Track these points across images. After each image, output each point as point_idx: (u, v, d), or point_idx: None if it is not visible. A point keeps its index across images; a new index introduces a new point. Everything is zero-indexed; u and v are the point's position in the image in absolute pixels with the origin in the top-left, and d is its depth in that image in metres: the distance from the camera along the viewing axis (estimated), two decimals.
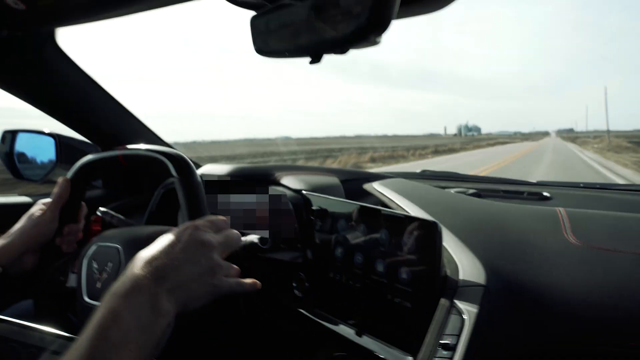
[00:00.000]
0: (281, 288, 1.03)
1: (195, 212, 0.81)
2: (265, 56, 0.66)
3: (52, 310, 0.97)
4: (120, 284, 0.59)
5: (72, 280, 0.95)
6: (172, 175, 0.86)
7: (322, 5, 0.54)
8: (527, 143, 69.22)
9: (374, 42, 0.55)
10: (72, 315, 0.95)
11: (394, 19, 0.49)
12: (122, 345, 0.53)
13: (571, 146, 45.57)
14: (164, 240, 0.66)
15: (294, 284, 1.00)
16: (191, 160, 1.55)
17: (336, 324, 0.89)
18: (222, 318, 0.92)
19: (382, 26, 0.48)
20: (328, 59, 0.58)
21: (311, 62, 0.58)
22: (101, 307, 0.56)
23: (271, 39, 0.64)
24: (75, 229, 1.02)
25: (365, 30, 0.48)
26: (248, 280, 0.72)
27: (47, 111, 1.25)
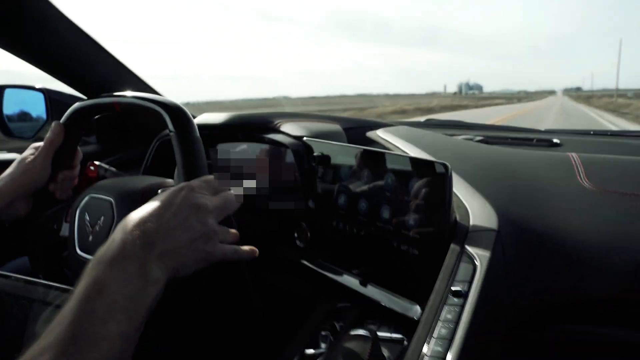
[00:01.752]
0: (282, 239, 1.00)
1: (192, 171, 0.76)
2: None
3: (47, 264, 0.95)
4: (106, 249, 0.55)
5: (65, 229, 0.93)
6: (168, 128, 0.81)
7: None
8: (531, 103, 61.42)
9: None
10: (66, 269, 0.93)
11: None
12: (109, 317, 0.49)
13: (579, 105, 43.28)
14: (156, 202, 0.62)
15: (296, 235, 0.97)
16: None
17: (340, 274, 0.86)
18: (222, 277, 0.90)
19: None
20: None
21: None
22: (85, 276, 0.52)
23: None
24: (70, 176, 0.98)
25: None
26: (245, 247, 0.68)
27: (30, 60, 1.19)
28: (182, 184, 0.66)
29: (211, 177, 0.71)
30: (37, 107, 1.53)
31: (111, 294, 0.51)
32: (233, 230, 0.69)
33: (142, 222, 0.58)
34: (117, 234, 0.57)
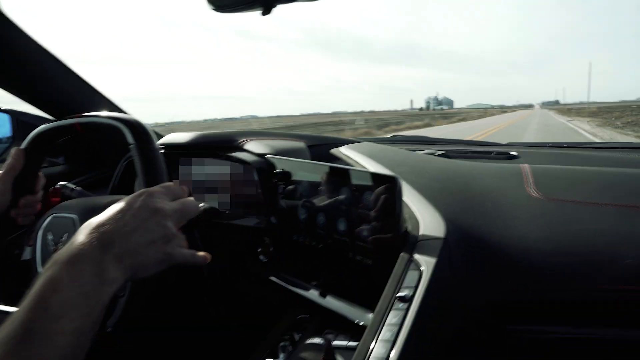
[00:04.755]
0: (246, 254, 1.02)
1: (151, 179, 0.78)
2: (220, 11, 0.64)
3: (8, 287, 0.95)
4: (64, 251, 0.56)
5: (27, 254, 0.93)
6: (128, 141, 0.83)
7: None
8: (504, 116, 56.88)
9: None
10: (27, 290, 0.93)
11: None
12: (63, 314, 0.50)
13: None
14: (116, 207, 0.63)
15: (259, 249, 0.99)
16: (156, 133, 1.51)
17: (301, 286, 0.89)
18: (185, 287, 0.91)
19: None
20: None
21: (263, 14, 0.56)
22: (41, 276, 0.54)
23: None
24: (32, 201, 0.98)
25: None
26: (201, 253, 0.70)
27: None
28: (142, 189, 0.68)
29: (170, 183, 0.73)
30: (3, 129, 1.52)
31: (66, 292, 0.52)
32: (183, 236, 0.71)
33: (101, 225, 0.59)
34: (76, 237, 0.58)
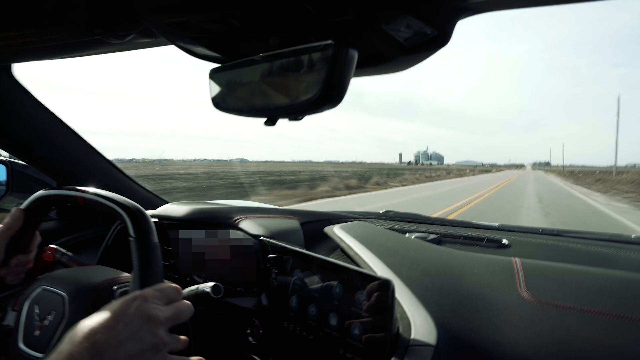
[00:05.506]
0: (235, 334, 1.00)
1: (147, 279, 0.77)
2: (222, 111, 0.65)
3: None
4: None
5: (10, 319, 0.90)
6: (128, 232, 0.83)
7: (278, 71, 0.54)
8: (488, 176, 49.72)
9: (328, 109, 0.55)
10: (4, 357, 0.90)
11: (346, 91, 0.49)
12: None
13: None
14: (108, 311, 0.62)
15: (248, 330, 0.98)
16: (156, 197, 1.52)
17: None
18: None
19: (335, 99, 0.48)
20: None
21: (265, 124, 0.58)
22: None
23: (228, 96, 0.63)
24: (24, 260, 0.96)
25: (318, 102, 0.48)
26: (193, 358, 0.69)
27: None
28: (136, 292, 0.67)
29: (166, 285, 0.72)
30: None
31: None
32: (183, 338, 0.70)
33: (93, 333, 0.58)
34: (65, 346, 0.57)
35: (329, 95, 0.48)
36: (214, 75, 0.67)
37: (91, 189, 0.91)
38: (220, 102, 0.65)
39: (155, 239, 0.80)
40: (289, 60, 0.52)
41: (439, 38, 0.53)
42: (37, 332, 0.82)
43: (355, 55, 0.48)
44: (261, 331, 0.96)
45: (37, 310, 0.84)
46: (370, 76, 0.70)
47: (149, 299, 0.65)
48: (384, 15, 0.48)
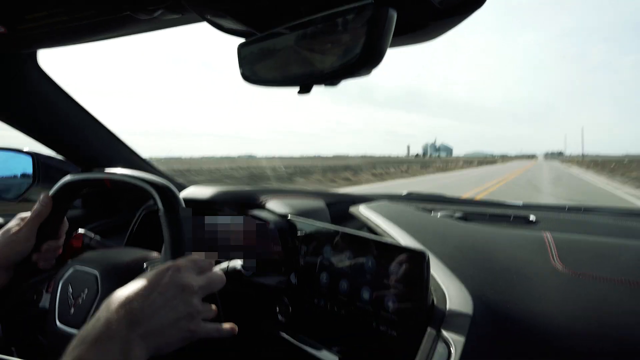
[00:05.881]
0: (264, 312, 1.01)
1: (178, 249, 0.79)
2: (252, 84, 0.65)
3: (22, 333, 0.94)
4: (90, 328, 0.57)
5: (45, 300, 0.92)
6: (157, 206, 0.84)
7: (312, 36, 0.54)
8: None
9: (365, 74, 0.55)
10: (42, 337, 0.92)
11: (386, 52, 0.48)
12: None
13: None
14: (143, 280, 0.64)
15: (278, 309, 0.99)
16: (177, 183, 1.53)
17: (319, 350, 0.87)
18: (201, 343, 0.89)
19: (374, 61, 0.48)
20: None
21: (299, 92, 0.57)
22: (67, 356, 0.54)
23: (259, 68, 0.63)
24: (54, 246, 0.99)
25: (357, 65, 0.48)
26: (226, 325, 0.70)
27: (26, 131, 1.22)
28: (169, 263, 0.68)
29: (197, 256, 0.73)
30: (25, 170, 1.55)
31: None
32: (213, 306, 0.71)
33: (128, 301, 0.60)
34: (102, 313, 0.58)
35: (369, 57, 0.47)
36: (243, 49, 0.66)
37: (117, 170, 0.92)
38: (250, 75, 0.65)
39: (184, 213, 0.81)
40: (325, 24, 0.51)
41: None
42: (72, 311, 0.83)
43: (395, 15, 0.47)
44: (290, 309, 0.97)
45: (70, 290, 0.86)
46: (401, 46, 0.69)
47: (182, 268, 0.66)
48: None
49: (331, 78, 0.52)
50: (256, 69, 0.64)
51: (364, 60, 0.47)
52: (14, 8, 0.71)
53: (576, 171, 32.56)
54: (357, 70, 0.48)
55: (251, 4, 0.59)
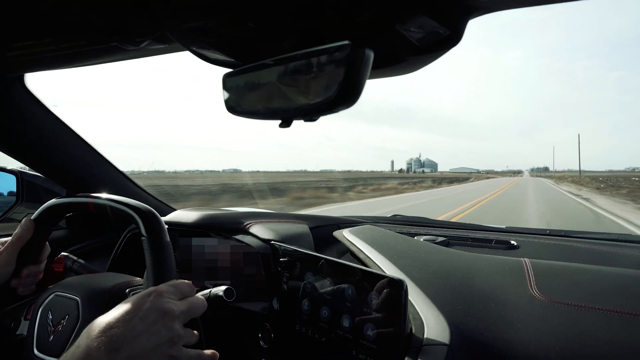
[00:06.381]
0: (247, 338, 1.01)
1: (161, 275, 0.79)
2: (237, 115, 0.66)
3: None
4: (70, 355, 0.56)
5: (23, 328, 0.91)
6: (140, 232, 0.84)
7: (293, 72, 0.55)
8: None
9: (343, 109, 0.56)
10: None
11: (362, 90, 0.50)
12: None
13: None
14: (124, 306, 0.63)
15: (260, 334, 0.99)
16: (163, 204, 1.53)
17: None
18: None
19: (351, 99, 0.49)
20: None
21: (281, 126, 0.59)
22: None
23: (243, 99, 0.64)
24: (35, 271, 0.97)
25: (335, 102, 0.49)
26: (207, 352, 0.70)
27: (11, 153, 1.21)
28: (151, 288, 0.68)
29: (179, 281, 0.73)
30: (8, 189, 1.53)
31: None
32: (195, 332, 0.71)
33: (109, 327, 0.59)
34: (82, 340, 0.58)
35: (346, 95, 0.49)
36: (227, 79, 0.68)
37: (102, 195, 0.92)
38: (234, 106, 0.66)
39: (167, 237, 0.81)
40: (305, 61, 0.53)
41: (451, 37, 0.54)
42: (51, 338, 0.82)
43: (372, 55, 0.49)
44: (272, 335, 0.97)
45: (50, 317, 0.85)
46: (381, 78, 0.71)
47: (163, 294, 0.66)
48: (401, 15, 0.49)
49: (310, 114, 0.53)
50: (240, 100, 0.66)
51: (341, 98, 0.49)
52: (2, 35, 0.72)
53: (565, 190, 28.94)
54: (334, 107, 0.50)
55: (234, 39, 0.61)
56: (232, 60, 0.68)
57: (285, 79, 0.56)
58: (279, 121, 0.59)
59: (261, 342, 0.98)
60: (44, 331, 0.84)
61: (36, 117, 1.15)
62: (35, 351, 0.83)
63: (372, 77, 0.66)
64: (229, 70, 0.68)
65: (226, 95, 0.67)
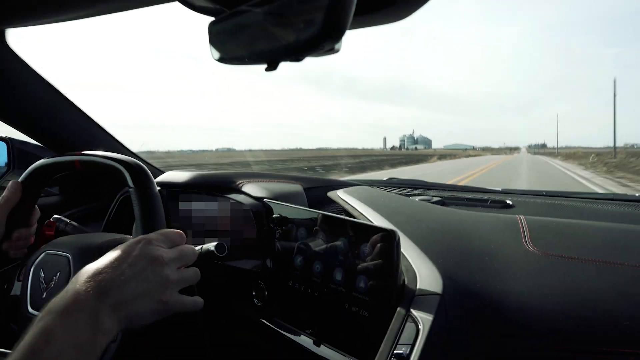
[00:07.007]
0: (240, 297, 1.01)
1: (150, 226, 0.78)
2: (224, 63, 0.64)
3: None
4: (58, 300, 0.56)
5: (16, 289, 0.91)
6: (127, 184, 0.83)
7: (277, 11, 0.53)
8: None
9: (331, 51, 0.54)
10: (14, 324, 0.91)
11: (349, 27, 0.48)
12: None
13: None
14: (113, 253, 0.63)
15: (254, 293, 0.99)
16: (152, 167, 1.51)
17: (295, 333, 0.88)
18: (177, 328, 0.89)
19: (336, 34, 0.47)
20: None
21: (267, 69, 0.57)
22: (34, 327, 0.53)
23: (229, 46, 0.62)
24: (25, 234, 0.97)
25: (319, 38, 0.47)
26: (197, 298, 0.70)
27: None
28: (140, 236, 0.68)
29: (169, 230, 0.73)
30: None
31: (58, 344, 0.51)
32: (195, 270, 0.71)
33: (97, 273, 0.59)
34: (71, 286, 0.58)
35: (330, 30, 0.47)
36: (213, 27, 0.66)
37: (87, 152, 0.91)
38: (221, 54, 0.64)
39: (156, 188, 0.81)
40: None
41: None
42: (44, 295, 0.82)
43: None
44: (266, 293, 0.97)
45: (42, 275, 0.85)
46: (372, 26, 0.68)
47: (152, 241, 0.66)
48: None
49: (295, 53, 0.51)
50: (226, 47, 0.64)
51: (325, 34, 0.47)
52: None
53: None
54: (318, 44, 0.48)
55: None
56: (218, 6, 0.66)
57: (270, 18, 0.54)
58: (265, 65, 0.58)
59: (255, 300, 0.98)
60: (36, 289, 0.84)
61: (20, 77, 1.12)
62: (29, 309, 0.83)
63: (362, 25, 0.64)
64: (213, 18, 0.66)
65: (212, 44, 0.65)
